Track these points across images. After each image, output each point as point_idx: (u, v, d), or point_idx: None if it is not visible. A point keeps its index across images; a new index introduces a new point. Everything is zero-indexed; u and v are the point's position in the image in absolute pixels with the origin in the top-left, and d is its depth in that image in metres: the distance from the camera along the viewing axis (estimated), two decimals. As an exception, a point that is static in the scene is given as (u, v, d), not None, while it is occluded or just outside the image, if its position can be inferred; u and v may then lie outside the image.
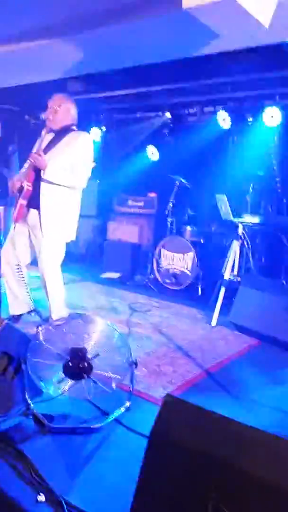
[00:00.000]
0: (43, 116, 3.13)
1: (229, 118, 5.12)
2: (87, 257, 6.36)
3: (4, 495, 1.53)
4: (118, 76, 4.72)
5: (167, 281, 4.84)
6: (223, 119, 5.15)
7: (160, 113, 5.77)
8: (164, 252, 4.94)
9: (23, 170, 3.20)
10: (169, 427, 1.40)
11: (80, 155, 3.05)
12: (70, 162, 3.02)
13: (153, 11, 3.04)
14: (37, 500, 1.49)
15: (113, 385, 2.06)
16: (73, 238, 3.20)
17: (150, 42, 3.52)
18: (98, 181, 6.24)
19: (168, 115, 5.72)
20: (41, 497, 1.50)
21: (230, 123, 5.14)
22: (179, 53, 3.73)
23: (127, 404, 2.11)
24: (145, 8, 3.02)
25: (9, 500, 1.51)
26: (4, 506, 1.52)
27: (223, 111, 5.14)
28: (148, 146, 6.08)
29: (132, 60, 4.02)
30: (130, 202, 6.08)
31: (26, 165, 3.14)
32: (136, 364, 2.10)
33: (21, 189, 3.05)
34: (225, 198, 3.94)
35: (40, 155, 2.97)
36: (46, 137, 3.17)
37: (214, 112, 5.33)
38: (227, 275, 3.79)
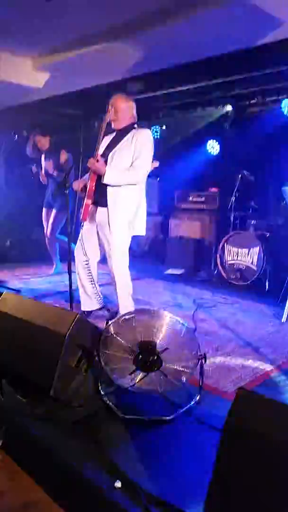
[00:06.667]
0: (106, 117, 3.19)
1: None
2: (150, 254, 6.43)
3: (83, 479, 1.61)
4: (177, 72, 4.71)
5: (232, 276, 4.76)
6: (289, 107, 4.96)
7: (220, 106, 5.68)
8: (228, 247, 4.85)
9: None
10: (243, 420, 1.38)
11: (141, 150, 3.07)
12: (132, 159, 3.06)
13: (210, 3, 3.01)
14: (114, 486, 1.55)
15: (183, 378, 2.06)
16: (143, 232, 3.24)
17: (209, 35, 3.48)
18: (158, 179, 6.28)
19: (228, 107, 5.61)
20: (118, 484, 1.56)
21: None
22: (241, 44, 3.65)
23: (197, 397, 2.12)
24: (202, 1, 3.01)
25: (88, 484, 1.58)
26: (84, 489, 1.60)
27: (289, 99, 4.94)
28: (208, 141, 6.01)
29: (191, 55, 4.01)
30: (191, 198, 6.05)
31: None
32: (205, 358, 2.10)
33: (84, 188, 3.16)
34: (292, 190, 3.79)
35: (98, 160, 3.03)
36: (106, 138, 3.23)
37: (279, 101, 5.14)
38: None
